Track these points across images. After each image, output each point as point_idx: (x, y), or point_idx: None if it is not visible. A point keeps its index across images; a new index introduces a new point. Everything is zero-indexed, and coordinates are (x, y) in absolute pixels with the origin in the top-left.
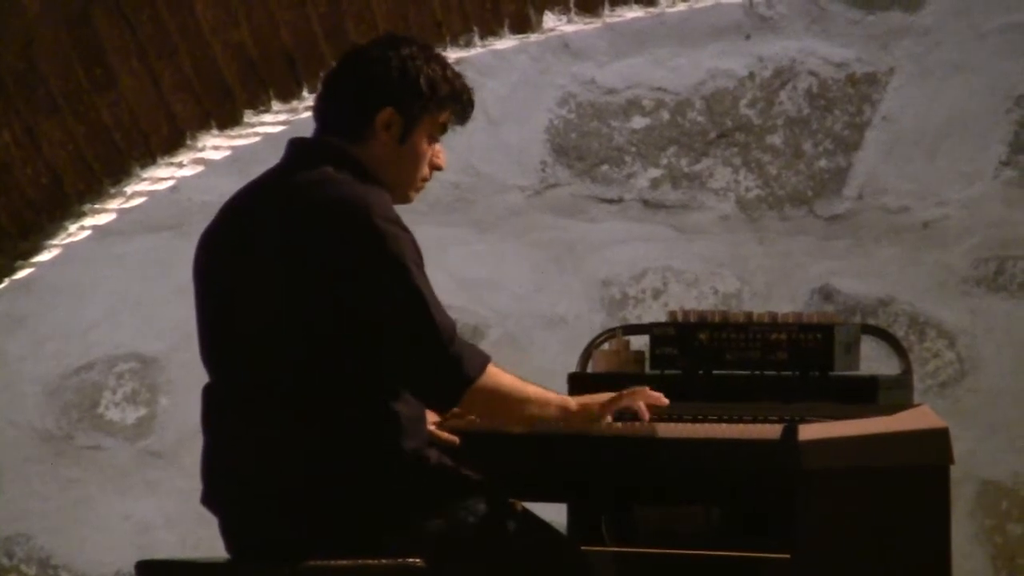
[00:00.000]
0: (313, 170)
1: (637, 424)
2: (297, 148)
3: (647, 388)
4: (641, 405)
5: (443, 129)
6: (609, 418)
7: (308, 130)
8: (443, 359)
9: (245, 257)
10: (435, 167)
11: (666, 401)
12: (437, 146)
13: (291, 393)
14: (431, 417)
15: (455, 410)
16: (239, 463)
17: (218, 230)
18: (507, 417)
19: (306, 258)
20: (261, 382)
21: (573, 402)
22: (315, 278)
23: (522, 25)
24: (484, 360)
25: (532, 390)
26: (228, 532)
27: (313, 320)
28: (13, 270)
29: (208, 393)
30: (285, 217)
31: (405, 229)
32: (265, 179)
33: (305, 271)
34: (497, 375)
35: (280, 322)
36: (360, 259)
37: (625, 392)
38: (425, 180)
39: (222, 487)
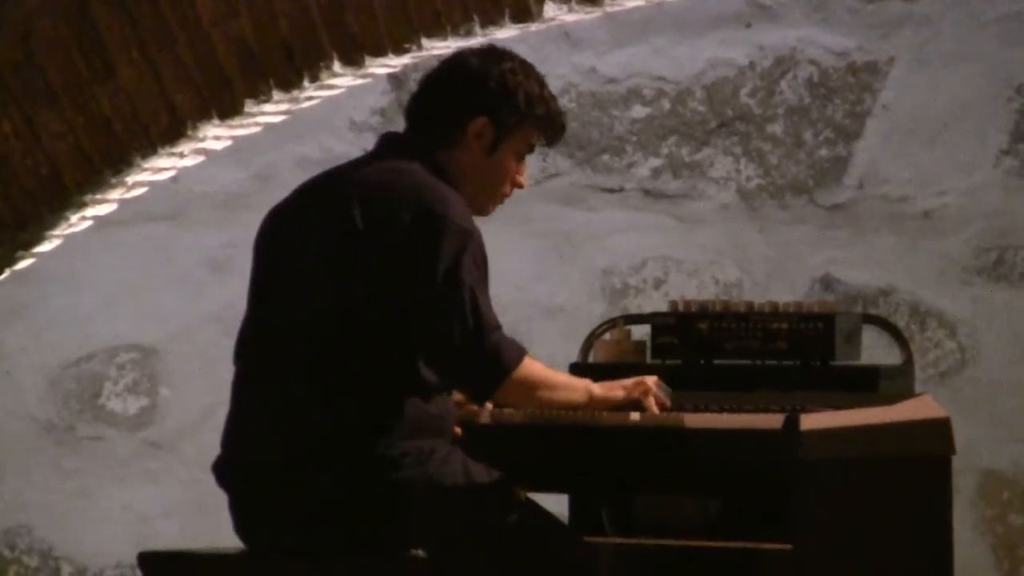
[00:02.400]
0: (391, 161)
1: (638, 415)
2: (386, 142)
3: (657, 384)
4: (651, 404)
5: (531, 149)
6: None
7: (310, 120)
8: (482, 351)
9: (306, 236)
10: (516, 185)
11: (668, 404)
12: (521, 165)
13: (321, 377)
14: None
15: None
16: (258, 437)
17: (287, 208)
18: (538, 404)
19: (369, 237)
20: (296, 364)
21: (597, 387)
22: (373, 256)
23: (523, 15)
24: (521, 352)
25: (560, 378)
26: (235, 508)
27: (358, 306)
28: (13, 260)
29: (243, 362)
30: (353, 199)
31: (474, 227)
32: (345, 167)
33: (364, 250)
34: (531, 366)
35: (325, 307)
36: (424, 242)
37: (644, 384)
38: (505, 196)
39: (237, 458)
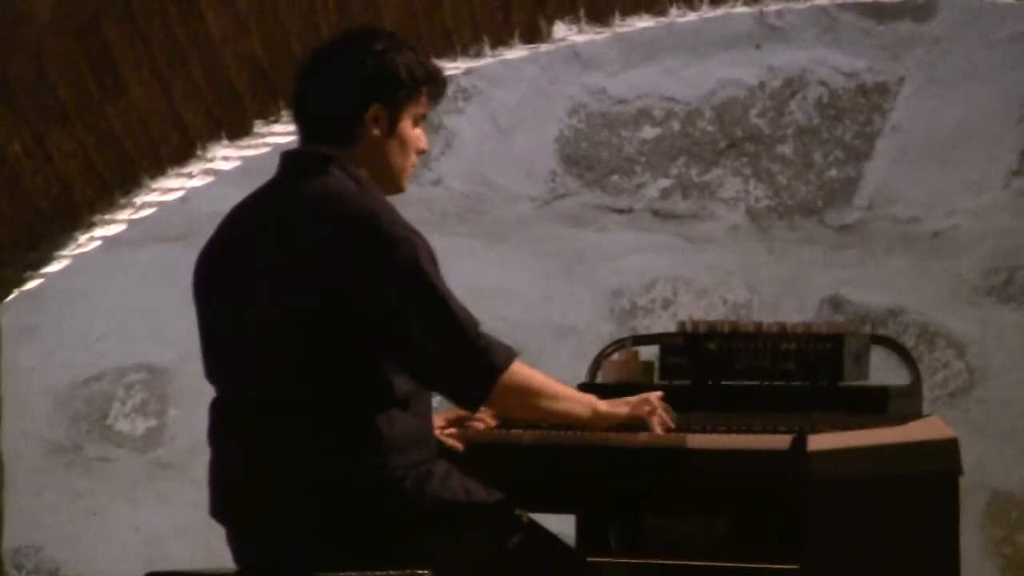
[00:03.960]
0: (315, 184)
1: (646, 435)
2: (293, 161)
3: (662, 404)
4: (656, 423)
5: (424, 114)
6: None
7: None
8: (470, 353)
9: (250, 274)
10: (420, 151)
11: (672, 424)
12: (418, 130)
13: (297, 408)
14: (436, 423)
15: (485, 408)
16: (245, 477)
17: (220, 246)
18: (538, 412)
19: (317, 274)
20: (267, 397)
21: (602, 404)
22: (327, 293)
23: (532, 35)
24: (510, 353)
25: (563, 388)
26: (235, 544)
27: (320, 337)
28: (22, 280)
29: (215, 407)
30: (292, 234)
31: (415, 232)
32: (265, 194)
33: (315, 287)
34: (525, 368)
35: (287, 339)
36: (376, 269)
37: (647, 402)
38: (414, 166)
39: (229, 500)
